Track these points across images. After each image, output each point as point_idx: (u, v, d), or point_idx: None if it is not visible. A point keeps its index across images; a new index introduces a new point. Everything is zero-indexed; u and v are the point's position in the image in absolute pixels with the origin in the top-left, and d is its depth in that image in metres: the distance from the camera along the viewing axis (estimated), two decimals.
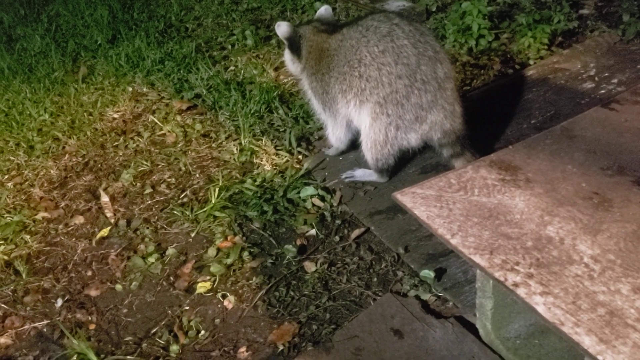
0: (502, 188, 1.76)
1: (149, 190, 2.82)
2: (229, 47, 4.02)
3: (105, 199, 2.79)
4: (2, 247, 2.58)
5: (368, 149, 2.49)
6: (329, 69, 2.52)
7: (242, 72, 3.60)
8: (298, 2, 4.41)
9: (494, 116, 2.89)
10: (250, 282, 2.29)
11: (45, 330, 2.22)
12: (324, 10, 2.67)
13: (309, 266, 2.30)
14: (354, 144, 2.71)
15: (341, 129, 2.64)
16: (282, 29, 2.57)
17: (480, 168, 1.85)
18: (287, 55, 2.68)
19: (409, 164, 2.70)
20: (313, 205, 2.58)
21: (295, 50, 2.61)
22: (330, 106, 2.58)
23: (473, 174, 1.83)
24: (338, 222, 2.50)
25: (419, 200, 1.74)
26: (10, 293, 2.38)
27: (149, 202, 2.76)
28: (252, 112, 3.18)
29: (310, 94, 2.67)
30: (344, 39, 2.47)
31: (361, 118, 2.48)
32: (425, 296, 2.10)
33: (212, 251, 2.43)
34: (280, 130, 3.05)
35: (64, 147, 3.22)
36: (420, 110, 2.39)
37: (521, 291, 1.42)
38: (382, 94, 2.38)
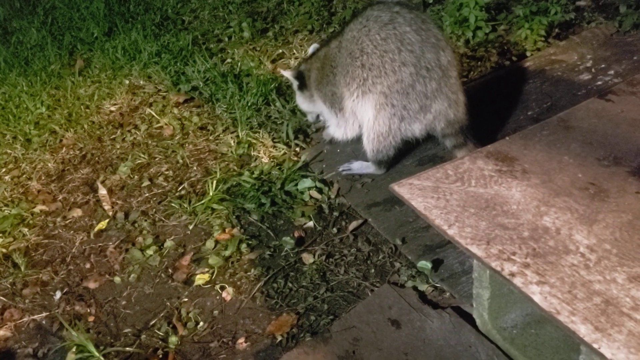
0: (498, 179, 1.77)
1: (146, 182, 2.83)
2: (226, 39, 4.01)
3: (103, 191, 2.79)
4: (1, 240, 2.59)
5: (370, 141, 2.46)
6: (331, 67, 2.51)
7: (239, 64, 3.59)
8: None
9: (491, 108, 2.89)
10: (249, 273, 2.30)
11: (44, 322, 2.23)
12: (312, 48, 2.74)
13: (307, 258, 2.31)
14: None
15: (349, 124, 2.58)
16: (287, 73, 2.72)
17: (477, 159, 1.86)
18: (298, 95, 2.74)
19: (406, 156, 2.70)
20: (311, 197, 2.58)
21: (303, 82, 2.67)
22: (340, 104, 2.54)
23: (470, 165, 1.84)
24: (336, 214, 2.50)
25: (416, 192, 1.75)
26: (9, 286, 2.38)
27: (147, 194, 2.76)
28: (249, 104, 3.18)
29: (326, 109, 2.66)
30: (344, 35, 2.45)
31: (364, 110, 2.44)
32: (423, 287, 2.11)
33: (210, 243, 2.44)
34: (278, 122, 3.05)
35: (61, 140, 3.22)
36: (425, 99, 2.35)
37: (518, 281, 1.43)
38: (386, 83, 2.34)
